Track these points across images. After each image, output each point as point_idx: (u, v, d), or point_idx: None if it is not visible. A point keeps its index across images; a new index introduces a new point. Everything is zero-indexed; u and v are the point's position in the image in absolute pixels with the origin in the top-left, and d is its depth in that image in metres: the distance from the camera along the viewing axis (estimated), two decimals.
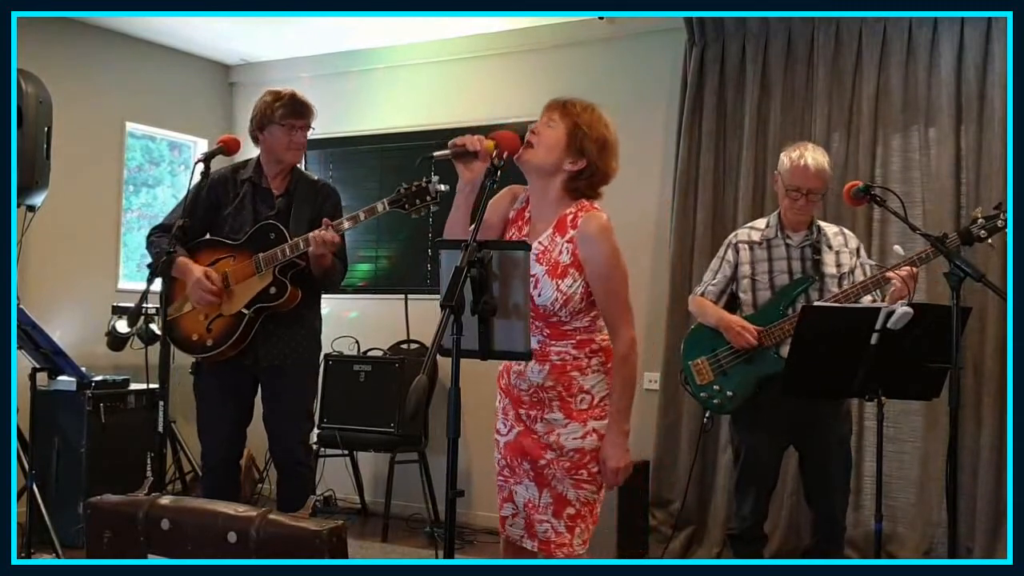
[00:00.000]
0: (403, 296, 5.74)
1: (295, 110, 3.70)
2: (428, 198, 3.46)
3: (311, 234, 3.50)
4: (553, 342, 2.60)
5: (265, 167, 3.77)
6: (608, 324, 2.61)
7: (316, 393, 3.87)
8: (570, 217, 2.60)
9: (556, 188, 2.63)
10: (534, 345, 2.58)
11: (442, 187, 3.46)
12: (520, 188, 2.77)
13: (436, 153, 2.57)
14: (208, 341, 3.67)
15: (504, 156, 2.54)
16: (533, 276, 2.54)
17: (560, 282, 2.56)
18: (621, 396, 2.59)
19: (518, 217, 2.73)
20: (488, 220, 2.70)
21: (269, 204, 3.73)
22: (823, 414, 3.59)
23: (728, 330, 3.60)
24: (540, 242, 2.61)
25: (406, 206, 3.48)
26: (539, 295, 2.56)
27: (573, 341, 2.61)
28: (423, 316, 5.69)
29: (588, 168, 2.61)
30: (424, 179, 3.48)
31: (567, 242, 2.58)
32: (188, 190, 3.76)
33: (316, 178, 3.89)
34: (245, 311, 3.61)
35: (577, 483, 2.60)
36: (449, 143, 2.57)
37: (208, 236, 3.76)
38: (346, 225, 3.55)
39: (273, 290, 3.60)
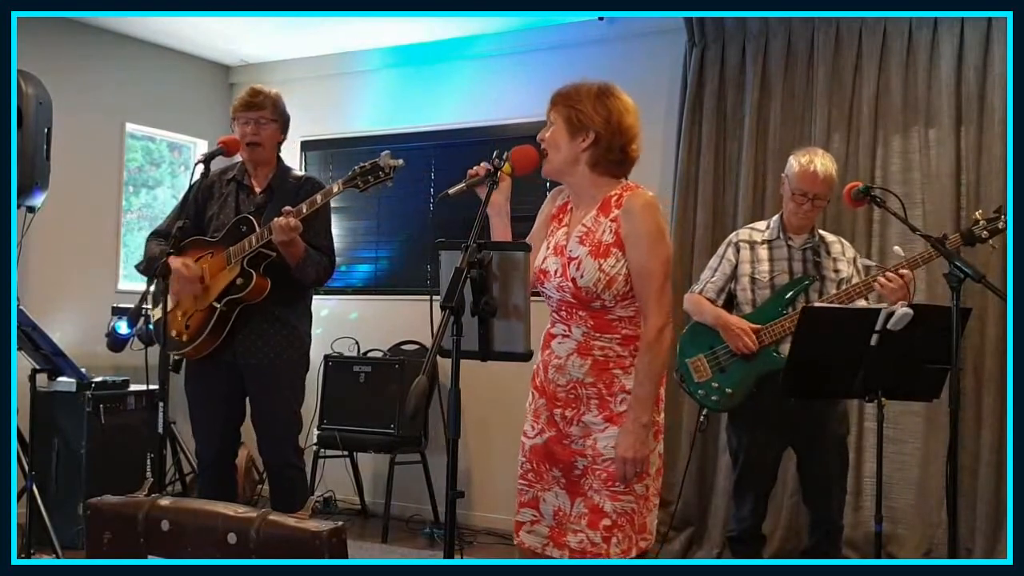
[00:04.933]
0: (401, 297, 5.75)
1: (244, 102, 3.73)
2: (381, 174, 3.45)
3: (272, 222, 3.50)
4: (597, 335, 2.55)
5: (248, 166, 3.80)
6: (640, 301, 2.54)
7: (302, 394, 3.84)
8: (615, 198, 2.59)
9: (585, 174, 2.62)
10: (578, 337, 2.57)
11: (394, 161, 3.45)
12: (557, 188, 2.79)
13: (451, 190, 2.55)
14: (184, 337, 3.67)
15: (527, 169, 2.59)
16: (576, 258, 2.55)
17: (603, 262, 2.52)
18: (641, 383, 2.50)
19: (560, 212, 2.73)
20: (537, 231, 2.75)
21: (251, 201, 3.75)
22: (820, 415, 3.59)
23: (726, 330, 3.60)
24: (584, 224, 2.60)
25: (360, 184, 3.47)
26: (581, 276, 2.53)
27: (619, 336, 2.55)
28: (423, 317, 5.68)
29: (598, 138, 2.58)
30: (378, 156, 3.47)
31: (611, 221, 2.56)
32: (186, 193, 3.80)
33: (301, 174, 3.90)
34: (216, 304, 3.61)
35: (614, 495, 2.52)
36: (467, 176, 2.58)
37: (195, 236, 3.76)
38: (304, 210, 3.52)
39: (240, 281, 3.59)
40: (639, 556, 2.54)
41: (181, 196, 3.70)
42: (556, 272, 2.60)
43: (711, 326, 3.66)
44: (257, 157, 3.76)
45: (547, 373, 2.63)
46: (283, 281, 3.65)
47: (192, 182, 3.64)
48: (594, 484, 2.54)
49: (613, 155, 2.61)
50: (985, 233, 3.40)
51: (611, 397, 2.54)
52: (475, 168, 2.58)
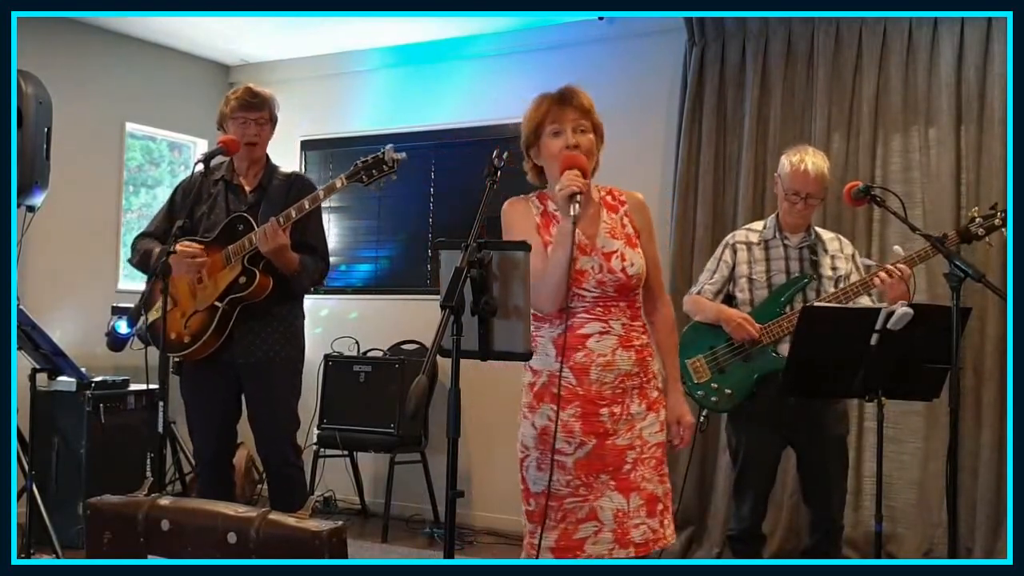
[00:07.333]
0: (403, 296, 5.75)
1: (244, 102, 3.70)
2: (386, 167, 3.43)
3: (260, 228, 3.48)
4: (632, 324, 2.66)
5: (236, 165, 3.79)
6: (653, 290, 2.77)
7: (299, 392, 3.84)
8: (607, 195, 2.75)
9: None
10: (619, 331, 2.63)
11: (397, 155, 3.44)
12: (519, 199, 2.77)
13: (575, 210, 2.49)
14: (186, 338, 3.65)
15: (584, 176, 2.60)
16: (614, 251, 2.64)
17: (639, 251, 2.68)
18: (676, 359, 2.81)
19: (548, 221, 2.72)
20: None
21: (242, 201, 3.74)
22: (820, 414, 3.59)
23: (728, 322, 3.60)
24: (605, 221, 2.69)
25: (364, 179, 3.45)
26: (631, 265, 2.63)
27: (641, 323, 2.70)
28: (423, 317, 5.68)
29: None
30: (381, 150, 3.45)
31: (623, 216, 2.72)
32: (172, 194, 3.81)
33: (290, 171, 3.89)
34: (218, 304, 3.60)
35: (663, 477, 2.66)
36: (568, 194, 2.50)
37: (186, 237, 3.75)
38: (307, 206, 3.51)
39: (243, 280, 3.58)
40: None
41: (170, 197, 3.67)
42: (595, 269, 2.62)
43: (713, 322, 3.66)
44: (255, 156, 3.76)
45: (588, 375, 2.61)
46: (279, 278, 3.65)
47: (179, 181, 3.61)
48: (645, 473, 2.62)
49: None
50: (981, 231, 3.41)
51: (647, 384, 2.68)
52: (576, 183, 2.51)
